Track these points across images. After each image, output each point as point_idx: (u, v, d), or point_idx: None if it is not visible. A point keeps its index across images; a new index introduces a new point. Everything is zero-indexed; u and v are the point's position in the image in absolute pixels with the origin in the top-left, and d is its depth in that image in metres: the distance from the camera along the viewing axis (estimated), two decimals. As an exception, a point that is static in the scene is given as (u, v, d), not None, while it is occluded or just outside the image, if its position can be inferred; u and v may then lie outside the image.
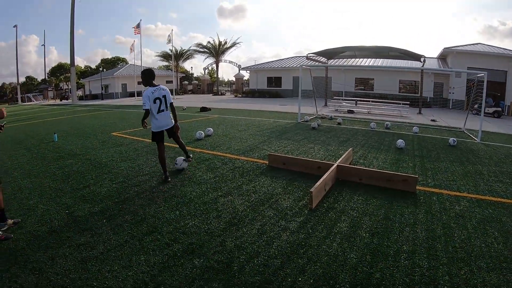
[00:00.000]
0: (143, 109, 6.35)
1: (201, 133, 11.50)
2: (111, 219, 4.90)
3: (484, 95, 12.64)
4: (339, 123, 15.67)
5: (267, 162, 7.80)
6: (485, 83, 12.61)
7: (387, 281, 3.29)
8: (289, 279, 3.35)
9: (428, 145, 10.51)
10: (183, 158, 7.41)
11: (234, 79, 57.36)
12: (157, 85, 6.54)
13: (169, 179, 6.63)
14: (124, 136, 12.57)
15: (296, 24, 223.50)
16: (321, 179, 5.59)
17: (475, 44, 28.46)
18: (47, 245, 4.19)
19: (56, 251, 4.02)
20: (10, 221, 4.75)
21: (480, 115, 12.81)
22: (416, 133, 13.10)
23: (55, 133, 12.68)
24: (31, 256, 3.92)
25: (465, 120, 14.91)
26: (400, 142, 9.92)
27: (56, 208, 5.38)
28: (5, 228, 4.57)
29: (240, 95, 45.32)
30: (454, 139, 10.86)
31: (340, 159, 7.08)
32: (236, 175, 7.04)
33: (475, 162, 8.32)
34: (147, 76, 6.49)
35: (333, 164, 6.51)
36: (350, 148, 8.50)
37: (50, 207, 5.45)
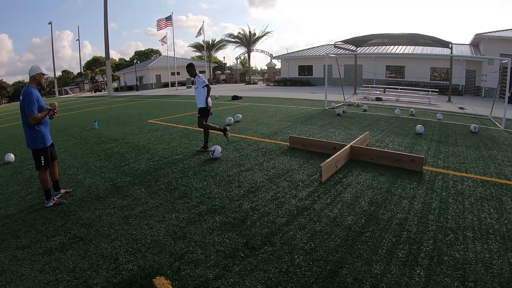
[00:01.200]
0: (206, 85, 7.97)
1: (231, 119, 12.33)
2: (148, 188, 5.81)
3: (508, 82, 12.64)
4: (364, 110, 15.98)
5: (289, 144, 8.47)
6: (509, 70, 12.60)
7: (375, 239, 3.89)
8: (291, 233, 4.07)
9: (448, 131, 10.69)
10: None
11: (266, 68, 57.70)
12: None
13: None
14: (159, 123, 13.53)
15: (326, 13, 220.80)
16: (332, 157, 6.24)
17: (509, 30, 27.51)
18: (95, 207, 5.12)
19: (103, 211, 4.94)
20: (63, 191, 5.78)
21: (505, 102, 12.68)
22: (440, 119, 13.16)
23: (95, 121, 13.80)
24: (82, 215, 4.84)
25: (491, 108, 14.68)
26: (419, 128, 10.24)
27: (101, 181, 6.34)
28: (59, 196, 5.57)
29: (272, 84, 45.52)
30: (476, 125, 10.91)
31: (355, 140, 7.66)
32: (259, 154, 7.80)
33: (491, 148, 8.45)
34: (195, 67, 8.24)
35: (346, 145, 7.10)
36: (367, 132, 9.01)
37: (96, 180, 6.43)
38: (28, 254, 3.85)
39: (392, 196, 5.18)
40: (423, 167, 6.43)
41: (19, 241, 4.18)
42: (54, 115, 5.33)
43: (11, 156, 8.68)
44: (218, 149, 7.60)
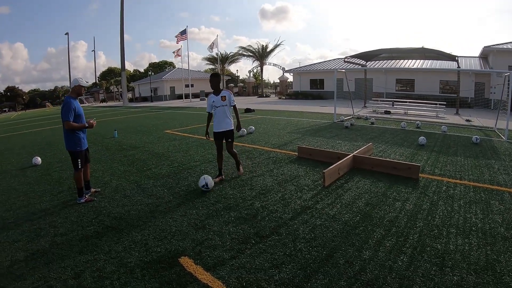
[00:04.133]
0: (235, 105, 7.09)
1: (244, 131, 13.04)
2: (170, 189, 6.61)
3: (510, 93, 12.96)
4: (372, 123, 16.46)
5: (297, 153, 9.16)
6: (510, 81, 13.01)
7: (367, 232, 4.54)
8: (295, 226, 4.79)
9: (450, 143, 11.08)
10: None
11: (278, 81, 58.50)
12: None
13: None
14: (176, 133, 14.36)
15: (341, 26, 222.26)
16: (335, 164, 6.92)
17: None
18: (123, 204, 5.94)
19: (131, 207, 5.75)
20: (93, 190, 6.60)
21: (508, 114, 12.83)
22: (444, 132, 13.47)
23: (115, 130, 14.73)
24: (112, 210, 5.65)
25: (496, 120, 14.95)
26: (421, 139, 10.72)
27: (126, 183, 7.18)
28: (89, 194, 6.38)
29: (284, 97, 46.13)
30: (478, 137, 11.24)
31: (358, 150, 8.31)
32: (270, 162, 8.52)
33: (490, 157, 8.83)
34: (220, 79, 7.39)
35: (349, 154, 7.76)
36: (370, 143, 9.64)
37: (121, 182, 7.28)
38: (66, 239, 4.63)
39: (387, 198, 5.79)
40: (420, 175, 6.97)
41: (57, 230, 4.96)
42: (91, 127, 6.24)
43: (38, 159, 9.51)
44: (209, 180, 6.47)
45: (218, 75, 7.15)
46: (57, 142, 13.66)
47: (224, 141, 7.11)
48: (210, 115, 7.19)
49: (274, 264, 3.81)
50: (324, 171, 6.50)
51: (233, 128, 7.11)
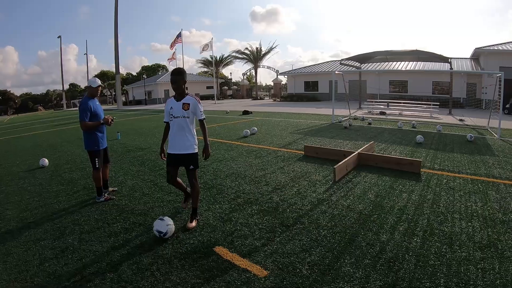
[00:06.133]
0: (204, 119, 5.16)
1: (247, 131, 13.43)
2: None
3: (502, 93, 13.43)
4: (369, 123, 16.96)
5: (303, 152, 9.57)
6: (502, 82, 13.62)
7: (381, 219, 4.99)
8: (315, 216, 5.21)
9: (446, 141, 11.57)
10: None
11: (272, 83, 59.03)
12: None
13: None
14: (180, 135, 14.54)
15: (332, 27, 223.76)
16: (343, 161, 7.36)
17: (508, 43, 28.05)
18: (145, 201, 6.14)
19: (153, 204, 5.98)
20: (110, 189, 6.70)
21: (500, 112, 13.42)
22: (439, 131, 13.95)
23: (118, 132, 14.78)
24: (135, 207, 5.85)
25: (488, 119, 15.41)
26: (419, 138, 11.21)
27: (142, 182, 7.39)
28: (107, 193, 6.46)
29: (279, 100, 46.74)
30: (472, 135, 11.74)
31: (361, 148, 8.75)
32: (279, 160, 8.90)
33: (484, 153, 9.33)
34: (185, 77, 5.08)
35: (355, 152, 8.21)
36: (372, 141, 10.08)
37: (137, 181, 7.48)
38: (94, 236, 4.72)
39: (394, 190, 6.24)
40: (421, 169, 7.43)
41: (82, 227, 5.04)
42: (111, 123, 6.29)
43: (45, 161, 9.64)
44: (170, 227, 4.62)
45: (182, 71, 4.99)
46: (60, 145, 13.88)
47: (183, 167, 5.18)
48: (168, 126, 5.12)
49: (304, 248, 4.20)
50: (334, 166, 6.93)
51: (196, 151, 5.08)
